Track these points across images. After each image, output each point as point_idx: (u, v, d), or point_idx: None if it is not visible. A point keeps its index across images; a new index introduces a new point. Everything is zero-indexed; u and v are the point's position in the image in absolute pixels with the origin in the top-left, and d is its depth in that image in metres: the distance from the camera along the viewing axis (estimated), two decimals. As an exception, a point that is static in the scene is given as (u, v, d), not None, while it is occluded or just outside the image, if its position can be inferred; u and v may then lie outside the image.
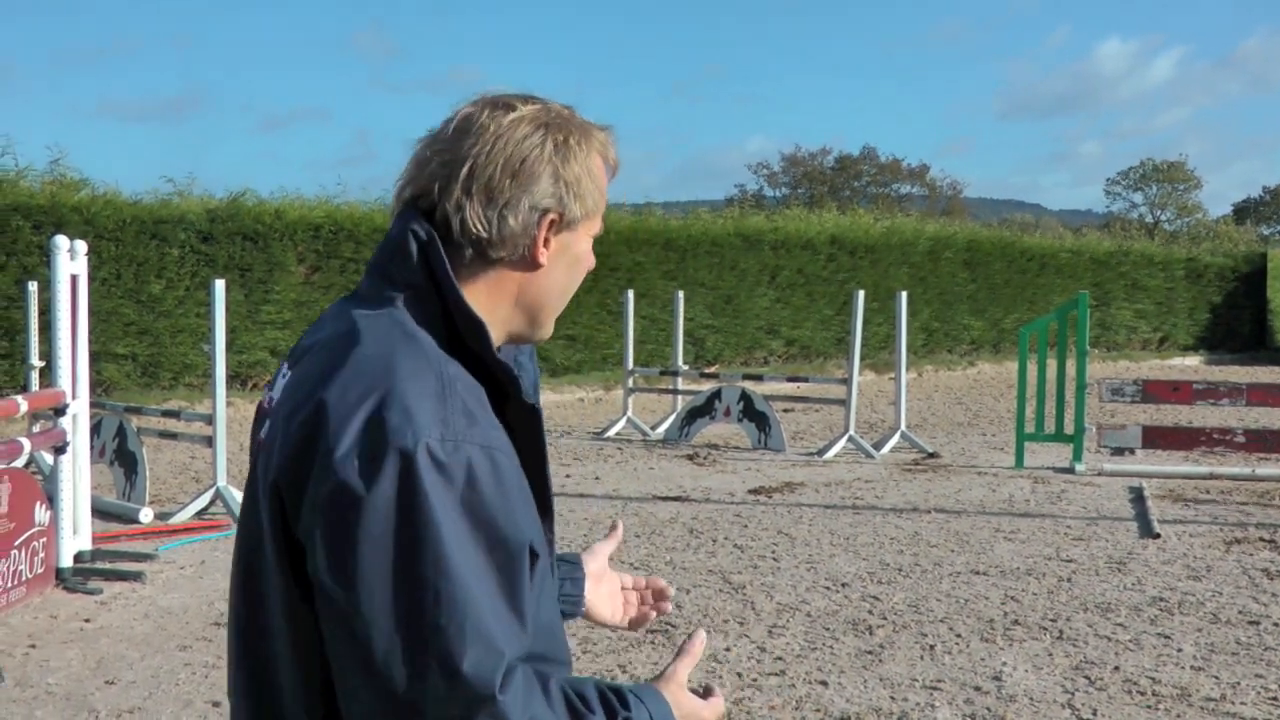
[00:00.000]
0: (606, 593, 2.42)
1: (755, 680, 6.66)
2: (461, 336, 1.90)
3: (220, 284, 11.10)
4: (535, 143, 1.93)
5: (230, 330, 15.99)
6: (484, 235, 1.91)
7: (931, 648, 7.26)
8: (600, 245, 18.38)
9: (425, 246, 1.90)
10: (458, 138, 1.93)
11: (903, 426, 15.90)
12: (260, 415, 1.96)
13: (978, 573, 9.10)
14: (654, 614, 2.50)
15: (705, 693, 2.07)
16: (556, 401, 21.48)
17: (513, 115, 1.93)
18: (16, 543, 7.83)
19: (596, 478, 13.57)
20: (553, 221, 1.94)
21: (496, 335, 1.97)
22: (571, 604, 2.37)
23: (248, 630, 1.91)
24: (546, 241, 1.95)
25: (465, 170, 1.90)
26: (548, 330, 2.05)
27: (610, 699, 1.85)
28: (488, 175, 1.90)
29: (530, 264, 1.96)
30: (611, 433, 17.44)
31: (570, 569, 2.40)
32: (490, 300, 1.95)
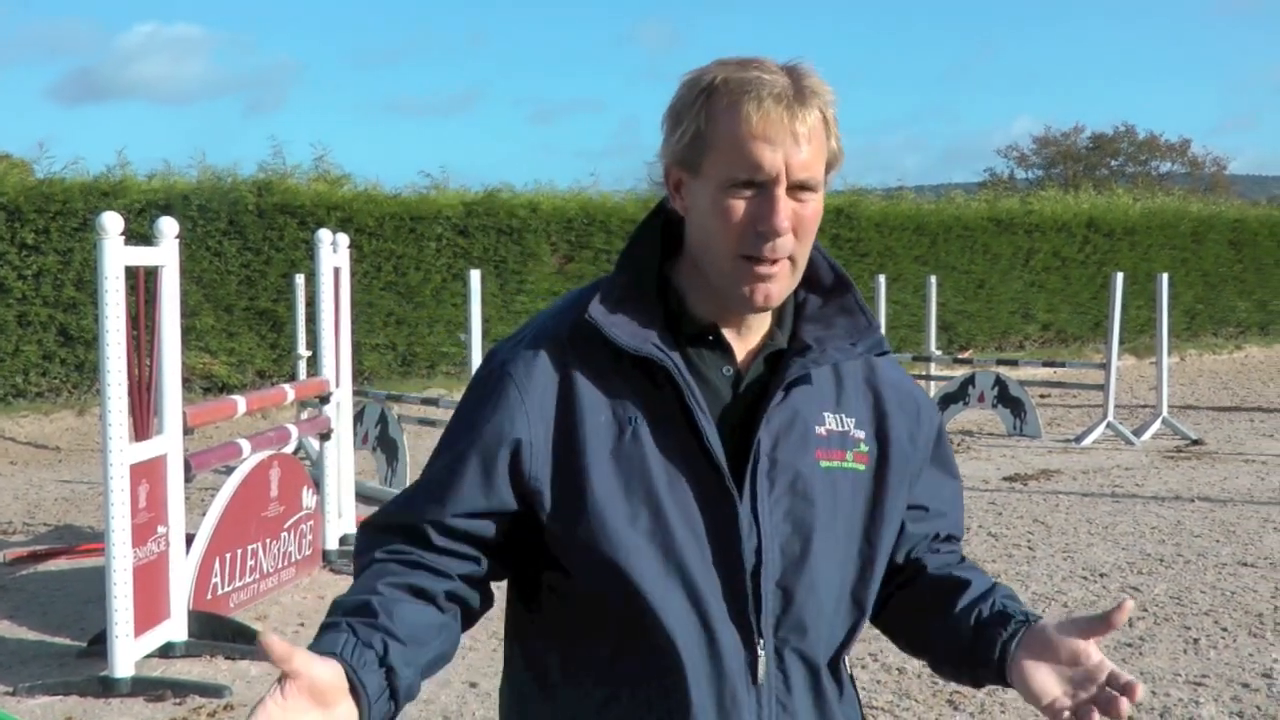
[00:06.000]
0: (1057, 667, 2.01)
1: (1010, 671, 6.53)
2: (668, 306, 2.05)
3: (476, 275, 11.37)
4: (674, 98, 2.01)
5: (485, 320, 16.33)
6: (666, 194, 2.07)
7: (1195, 641, 7.03)
8: (851, 230, 18.25)
9: (643, 223, 2.11)
10: None
11: (1164, 412, 15.41)
12: None
13: (1245, 564, 8.77)
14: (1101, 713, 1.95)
15: None
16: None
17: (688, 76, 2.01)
18: (286, 525, 8.16)
19: (847, 465, 13.45)
20: (667, 169, 2.03)
21: (706, 295, 2.04)
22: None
23: None
24: (679, 186, 2.02)
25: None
26: (723, 282, 1.99)
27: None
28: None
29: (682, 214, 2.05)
30: (862, 419, 17.26)
31: (1023, 626, 2.06)
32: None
